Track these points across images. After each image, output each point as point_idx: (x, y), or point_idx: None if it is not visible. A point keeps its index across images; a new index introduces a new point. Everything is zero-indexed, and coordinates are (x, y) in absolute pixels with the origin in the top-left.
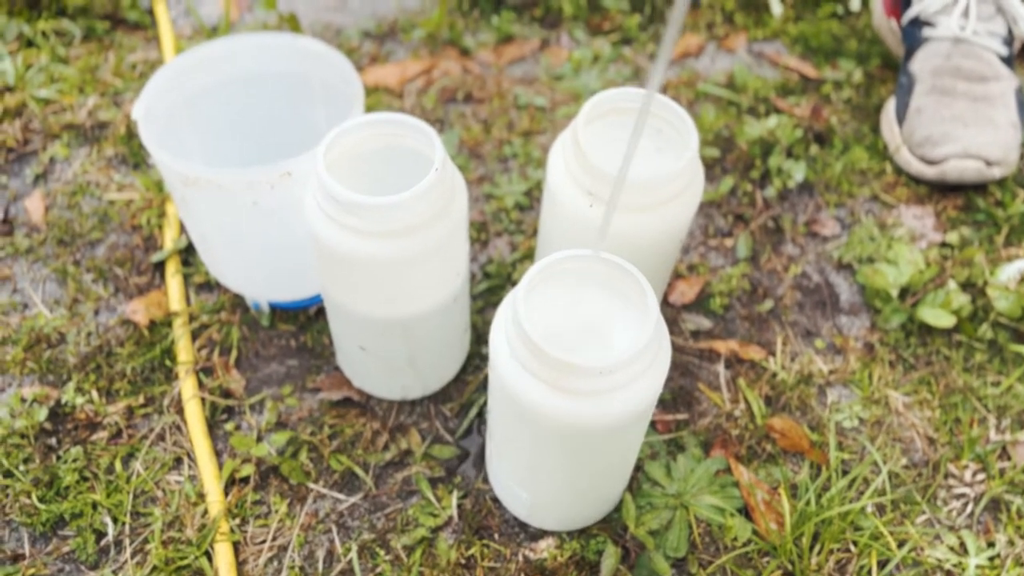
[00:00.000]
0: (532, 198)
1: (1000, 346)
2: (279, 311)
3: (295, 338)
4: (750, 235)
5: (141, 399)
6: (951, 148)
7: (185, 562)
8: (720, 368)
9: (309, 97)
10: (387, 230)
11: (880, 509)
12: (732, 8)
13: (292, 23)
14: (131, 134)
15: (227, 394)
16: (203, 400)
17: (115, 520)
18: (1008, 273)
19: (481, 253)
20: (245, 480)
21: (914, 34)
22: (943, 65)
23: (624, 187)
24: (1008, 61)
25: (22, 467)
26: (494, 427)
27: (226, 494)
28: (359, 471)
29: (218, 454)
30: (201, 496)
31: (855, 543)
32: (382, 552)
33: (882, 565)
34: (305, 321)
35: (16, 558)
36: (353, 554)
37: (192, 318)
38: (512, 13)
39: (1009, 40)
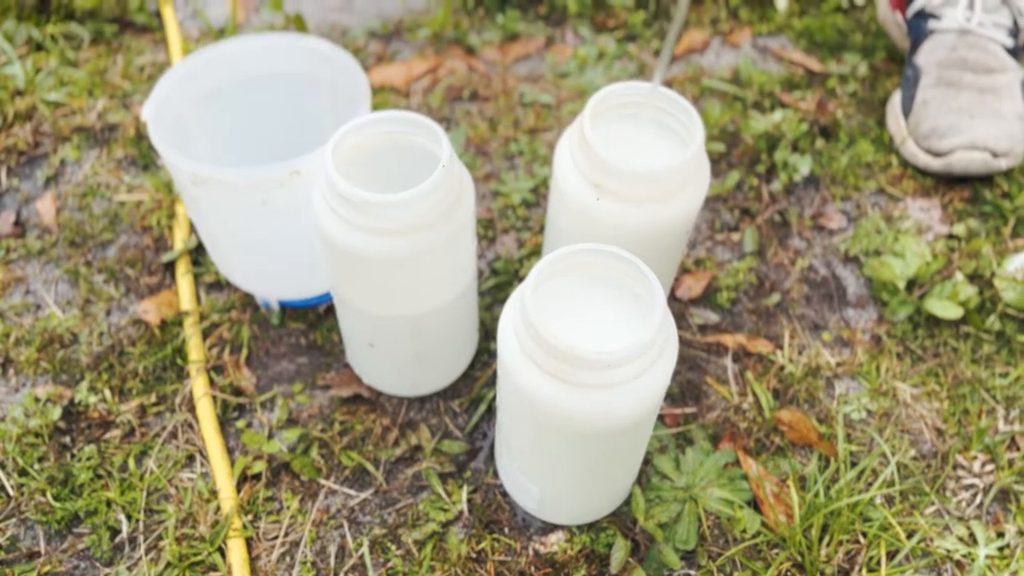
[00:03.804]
0: (539, 195)
1: (1008, 337)
2: (289, 309)
3: (305, 336)
4: (756, 229)
5: (153, 398)
6: (957, 140)
7: (199, 558)
8: (728, 362)
9: (316, 97)
10: (395, 227)
11: (889, 500)
12: (736, 3)
13: (298, 24)
14: (140, 136)
15: (238, 392)
16: (214, 398)
17: (129, 517)
18: (1015, 264)
19: (488, 250)
20: (257, 477)
21: (919, 26)
22: (949, 57)
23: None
24: (1014, 53)
25: (37, 465)
26: (503, 421)
27: (238, 491)
28: (370, 467)
29: (230, 451)
30: (214, 493)
31: (864, 534)
32: (393, 547)
33: (891, 556)
34: (315, 319)
35: (32, 555)
36: (365, 549)
37: (203, 317)
38: (517, 11)
39: (1015, 32)
